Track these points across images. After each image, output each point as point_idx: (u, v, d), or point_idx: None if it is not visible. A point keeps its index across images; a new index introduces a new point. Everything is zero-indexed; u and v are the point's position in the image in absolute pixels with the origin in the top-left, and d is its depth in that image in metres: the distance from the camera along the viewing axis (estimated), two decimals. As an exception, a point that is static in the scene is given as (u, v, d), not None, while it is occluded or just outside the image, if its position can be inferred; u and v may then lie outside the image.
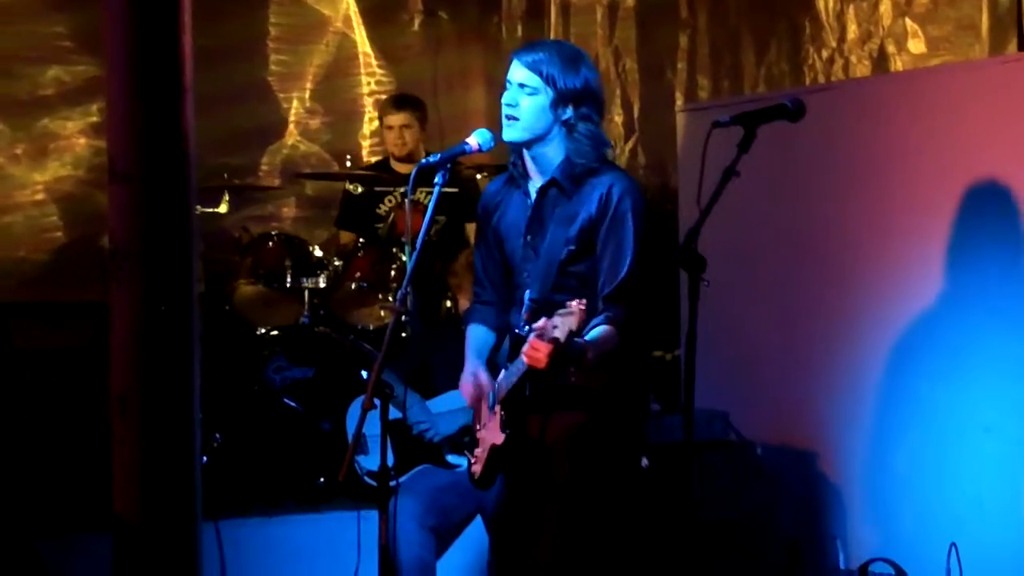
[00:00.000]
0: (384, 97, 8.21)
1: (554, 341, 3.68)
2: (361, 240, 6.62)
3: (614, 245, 3.99)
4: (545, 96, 4.01)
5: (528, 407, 4.06)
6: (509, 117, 4.04)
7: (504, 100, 4.06)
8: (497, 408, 4.10)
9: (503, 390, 4.08)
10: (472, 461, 4.27)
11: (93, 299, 3.90)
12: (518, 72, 4.04)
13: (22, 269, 7.45)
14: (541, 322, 3.71)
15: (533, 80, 4.01)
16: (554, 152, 4.07)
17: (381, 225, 6.87)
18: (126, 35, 3.52)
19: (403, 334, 5.90)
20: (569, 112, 4.02)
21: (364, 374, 5.61)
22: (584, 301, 3.69)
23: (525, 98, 4.02)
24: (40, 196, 7.55)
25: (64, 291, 7.32)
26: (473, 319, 4.34)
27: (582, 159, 4.04)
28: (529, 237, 4.11)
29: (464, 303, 5.63)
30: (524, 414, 4.06)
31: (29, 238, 7.51)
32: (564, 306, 3.69)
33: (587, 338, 3.85)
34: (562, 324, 3.66)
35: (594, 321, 3.92)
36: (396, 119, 6.98)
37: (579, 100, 4.02)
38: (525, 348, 3.79)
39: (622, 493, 4.12)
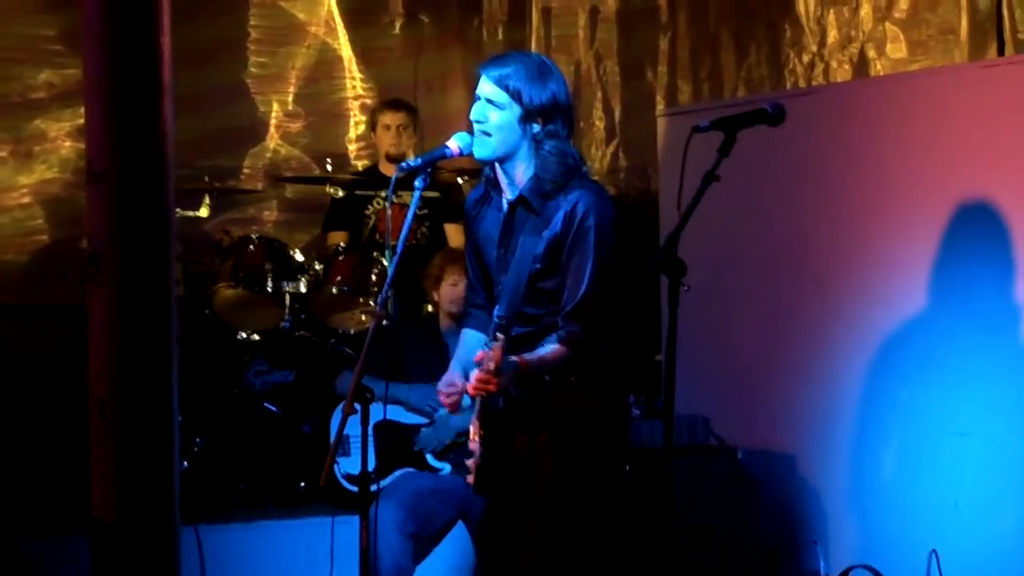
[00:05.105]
0: (367, 101, 8.21)
1: (491, 373, 3.78)
2: (341, 244, 6.60)
3: (576, 263, 3.97)
4: (511, 112, 3.97)
5: (511, 421, 4.06)
6: (483, 132, 4.01)
7: (472, 115, 4.03)
8: (476, 423, 4.10)
9: (476, 406, 4.09)
10: (469, 470, 4.26)
11: (77, 301, 3.88)
12: (486, 87, 4.01)
13: (7, 271, 7.42)
14: (480, 353, 3.82)
15: (500, 96, 3.97)
16: (524, 168, 4.04)
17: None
18: (104, 35, 3.51)
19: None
20: (537, 128, 3.99)
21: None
22: (503, 339, 3.79)
23: (493, 112, 3.98)
24: (27, 199, 7.52)
25: (49, 293, 7.29)
26: (467, 323, 4.32)
27: (549, 176, 4.00)
28: (502, 250, 4.10)
29: (445, 305, 5.61)
30: (505, 427, 4.06)
31: (15, 240, 7.48)
32: (495, 338, 3.82)
33: (532, 354, 3.93)
34: (486, 359, 3.79)
35: (547, 339, 3.97)
36: (394, 119, 6.93)
37: (547, 115, 3.98)
38: (471, 382, 3.89)
39: (605, 499, 4.12)
